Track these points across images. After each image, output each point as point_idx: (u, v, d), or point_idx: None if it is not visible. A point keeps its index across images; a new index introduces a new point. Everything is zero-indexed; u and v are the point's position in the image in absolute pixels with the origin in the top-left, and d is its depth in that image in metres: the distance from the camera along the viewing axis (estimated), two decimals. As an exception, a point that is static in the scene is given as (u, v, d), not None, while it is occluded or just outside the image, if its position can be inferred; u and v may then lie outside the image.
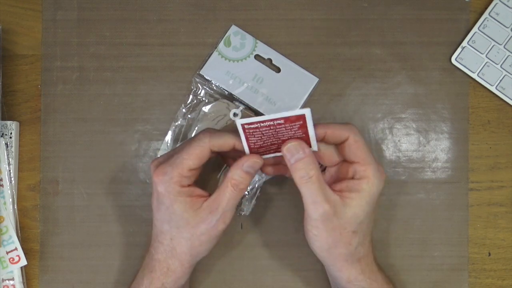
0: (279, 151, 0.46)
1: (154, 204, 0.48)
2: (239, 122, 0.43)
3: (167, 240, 0.47)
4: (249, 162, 0.45)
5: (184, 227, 0.46)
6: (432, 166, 0.56)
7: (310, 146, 0.45)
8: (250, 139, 0.45)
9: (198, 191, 0.47)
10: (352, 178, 0.46)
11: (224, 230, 0.47)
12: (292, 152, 0.44)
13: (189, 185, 0.46)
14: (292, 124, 0.44)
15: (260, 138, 0.45)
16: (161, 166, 0.46)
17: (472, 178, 0.55)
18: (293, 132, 0.45)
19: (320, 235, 0.46)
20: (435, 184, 0.55)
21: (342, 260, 0.47)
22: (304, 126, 0.44)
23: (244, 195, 0.55)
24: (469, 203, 0.55)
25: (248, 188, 0.54)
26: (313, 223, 0.45)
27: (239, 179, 0.45)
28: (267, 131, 0.44)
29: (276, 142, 0.45)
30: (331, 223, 0.45)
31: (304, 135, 0.45)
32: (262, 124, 0.44)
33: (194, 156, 0.45)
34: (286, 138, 0.45)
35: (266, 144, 0.46)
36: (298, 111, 0.43)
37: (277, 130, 0.44)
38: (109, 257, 0.55)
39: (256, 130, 0.44)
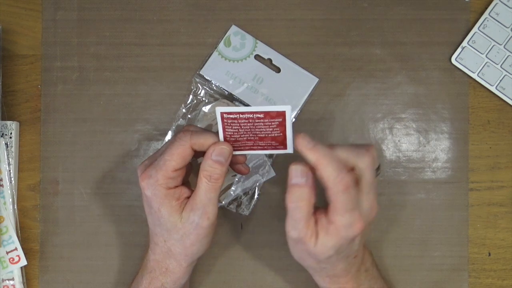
0: (253, 149, 0.46)
1: (145, 209, 0.48)
2: (218, 110, 0.43)
3: (162, 242, 0.47)
4: (217, 149, 0.45)
5: (172, 229, 0.46)
6: (432, 166, 0.56)
7: (285, 146, 0.45)
8: (227, 129, 0.45)
9: (186, 192, 0.46)
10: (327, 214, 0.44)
11: (211, 226, 0.46)
12: (296, 174, 0.43)
13: (176, 186, 0.46)
14: (272, 120, 0.44)
15: (237, 130, 0.45)
16: (147, 169, 0.45)
17: (472, 178, 0.55)
18: (271, 129, 0.45)
19: (292, 250, 0.46)
20: (435, 184, 0.55)
21: (312, 271, 0.48)
22: (283, 124, 0.44)
23: (244, 194, 0.55)
24: (469, 203, 0.55)
25: (240, 186, 0.54)
26: (287, 239, 0.46)
27: (210, 169, 0.44)
28: (245, 124, 0.44)
29: (252, 138, 0.45)
30: (301, 246, 0.45)
31: (281, 134, 0.45)
32: (241, 116, 0.44)
33: (176, 156, 0.45)
34: (263, 135, 0.45)
35: (242, 138, 0.45)
36: (278, 107, 0.43)
37: (255, 124, 0.44)
38: (109, 257, 0.55)
39: (234, 121, 0.44)
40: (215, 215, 0.46)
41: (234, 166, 0.50)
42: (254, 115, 0.43)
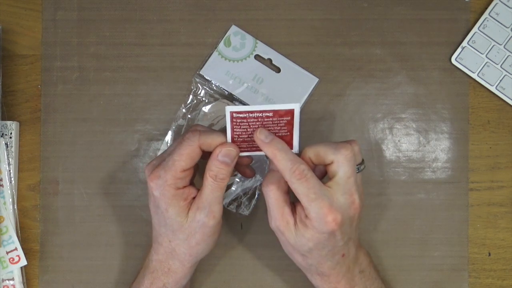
0: (260, 150, 0.46)
1: (152, 208, 0.48)
2: (228, 109, 0.44)
3: (166, 242, 0.47)
4: (224, 151, 0.45)
5: (178, 230, 0.46)
6: (432, 166, 0.56)
7: (292, 146, 0.46)
8: (235, 129, 0.45)
9: (194, 192, 0.47)
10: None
11: (216, 225, 0.46)
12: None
13: (184, 187, 0.46)
14: (280, 118, 0.44)
15: (245, 130, 0.45)
16: (155, 170, 0.46)
17: (472, 178, 0.55)
18: (279, 128, 0.45)
19: (282, 245, 0.48)
20: (435, 184, 0.55)
21: (302, 268, 0.48)
22: (290, 123, 0.44)
23: (244, 195, 0.55)
24: (469, 203, 0.55)
25: (240, 186, 0.54)
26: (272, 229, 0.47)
27: (216, 169, 0.45)
28: (254, 123, 0.44)
29: None
30: (283, 237, 0.46)
31: (288, 133, 0.45)
32: (250, 115, 0.44)
33: (185, 157, 0.45)
34: None
35: (249, 139, 0.46)
36: (288, 105, 0.43)
37: (264, 123, 0.44)
38: (109, 257, 0.55)
39: (243, 120, 0.44)
40: (220, 213, 0.46)
41: (239, 167, 0.50)
42: (263, 114, 0.44)
